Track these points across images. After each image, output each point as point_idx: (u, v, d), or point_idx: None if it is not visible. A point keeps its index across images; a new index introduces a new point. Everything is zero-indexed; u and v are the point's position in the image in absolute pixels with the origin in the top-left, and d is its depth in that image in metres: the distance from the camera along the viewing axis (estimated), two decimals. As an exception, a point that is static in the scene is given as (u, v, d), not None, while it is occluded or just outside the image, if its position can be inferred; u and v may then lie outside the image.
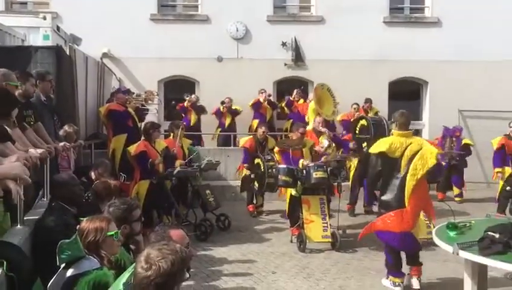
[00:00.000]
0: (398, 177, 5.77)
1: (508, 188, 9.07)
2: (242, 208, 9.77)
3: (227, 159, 11.24)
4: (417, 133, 12.52)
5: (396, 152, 5.76)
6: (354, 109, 11.24)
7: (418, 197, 5.77)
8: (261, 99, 12.50)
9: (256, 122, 12.21)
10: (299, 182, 7.70)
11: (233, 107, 12.61)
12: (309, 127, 8.99)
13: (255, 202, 9.85)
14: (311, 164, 7.68)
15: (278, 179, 7.82)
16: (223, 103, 12.55)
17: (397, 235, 5.76)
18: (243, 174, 9.72)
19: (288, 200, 8.14)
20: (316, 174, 7.51)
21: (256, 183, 8.92)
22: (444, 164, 9.79)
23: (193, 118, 12.59)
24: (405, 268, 6.05)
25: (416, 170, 5.68)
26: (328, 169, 7.63)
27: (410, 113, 6.30)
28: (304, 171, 7.64)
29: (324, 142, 8.52)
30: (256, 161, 8.97)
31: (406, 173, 5.72)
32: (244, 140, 10.05)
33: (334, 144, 8.83)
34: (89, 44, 10.88)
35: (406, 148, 5.77)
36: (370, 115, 11.59)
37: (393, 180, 5.81)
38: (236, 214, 9.22)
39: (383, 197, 5.93)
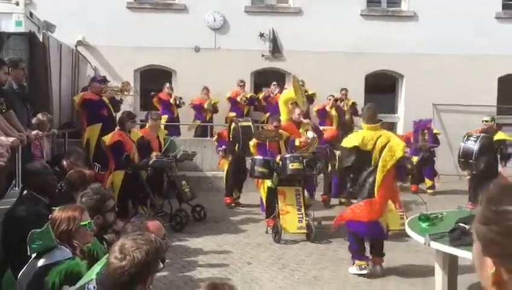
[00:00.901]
0: (370, 169, 5.98)
1: (468, 177, 9.45)
2: (218, 198, 9.75)
3: (204, 150, 11.20)
4: (392, 126, 12.66)
5: (368, 145, 6.00)
6: (329, 100, 11.46)
7: (386, 187, 6.04)
8: (238, 99, 12.38)
9: (232, 114, 12.16)
10: (275, 173, 7.73)
11: (212, 102, 12.50)
12: (282, 119, 8.96)
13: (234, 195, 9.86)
14: (287, 155, 7.72)
15: (254, 170, 7.85)
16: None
17: (365, 223, 5.98)
18: (226, 166, 9.70)
19: (265, 193, 8.15)
20: (292, 166, 7.56)
21: (236, 147, 9.12)
22: (416, 158, 10.06)
23: (176, 111, 12.47)
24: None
25: (385, 161, 5.94)
26: (304, 161, 7.68)
27: (376, 106, 6.54)
28: (280, 162, 7.69)
29: (309, 133, 8.60)
30: (232, 126, 9.30)
31: (377, 164, 5.92)
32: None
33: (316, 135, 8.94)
34: (63, 31, 10.62)
35: (376, 140, 6.00)
36: (345, 103, 11.78)
37: (364, 172, 6.02)
38: (212, 205, 9.20)
39: (356, 188, 6.12)
